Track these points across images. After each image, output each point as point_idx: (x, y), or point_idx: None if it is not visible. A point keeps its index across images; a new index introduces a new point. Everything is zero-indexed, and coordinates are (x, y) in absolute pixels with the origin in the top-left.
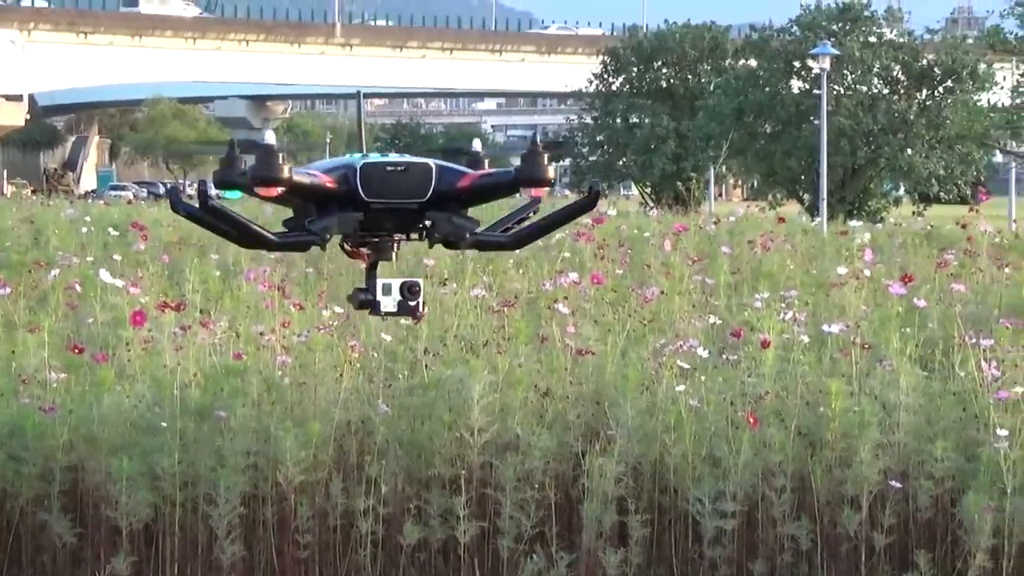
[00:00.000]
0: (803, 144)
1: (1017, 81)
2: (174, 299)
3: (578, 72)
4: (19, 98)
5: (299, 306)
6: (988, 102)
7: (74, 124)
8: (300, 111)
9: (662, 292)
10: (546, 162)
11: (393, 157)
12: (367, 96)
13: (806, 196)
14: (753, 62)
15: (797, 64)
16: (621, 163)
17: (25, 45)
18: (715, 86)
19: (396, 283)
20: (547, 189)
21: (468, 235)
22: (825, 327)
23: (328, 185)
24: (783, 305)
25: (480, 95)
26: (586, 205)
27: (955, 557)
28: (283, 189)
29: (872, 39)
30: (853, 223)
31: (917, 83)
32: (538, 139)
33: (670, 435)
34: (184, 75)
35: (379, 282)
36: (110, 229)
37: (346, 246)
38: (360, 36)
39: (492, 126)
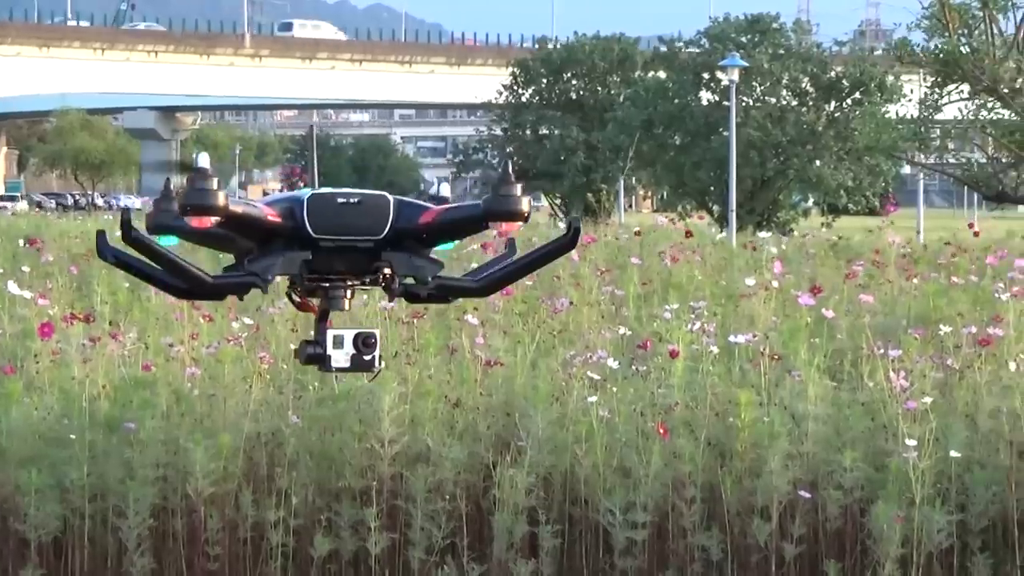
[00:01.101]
0: (712, 156)
1: (924, 93)
2: (83, 311)
3: (488, 83)
4: None
5: (209, 318)
6: (896, 114)
7: None
8: (209, 122)
9: (571, 303)
10: (519, 193)
11: (345, 189)
12: (276, 107)
13: (715, 207)
14: (662, 74)
15: (706, 76)
16: (531, 174)
17: None
18: (624, 98)
19: (349, 334)
20: (520, 224)
21: (431, 278)
22: (733, 338)
23: (270, 218)
24: (692, 316)
25: (390, 106)
26: (565, 244)
27: (864, 567)
28: (218, 219)
29: (781, 51)
30: (762, 234)
31: (826, 95)
32: (510, 167)
33: (581, 446)
34: (93, 86)
35: (330, 333)
36: (19, 240)
37: (294, 296)
38: (269, 47)
39: (402, 137)
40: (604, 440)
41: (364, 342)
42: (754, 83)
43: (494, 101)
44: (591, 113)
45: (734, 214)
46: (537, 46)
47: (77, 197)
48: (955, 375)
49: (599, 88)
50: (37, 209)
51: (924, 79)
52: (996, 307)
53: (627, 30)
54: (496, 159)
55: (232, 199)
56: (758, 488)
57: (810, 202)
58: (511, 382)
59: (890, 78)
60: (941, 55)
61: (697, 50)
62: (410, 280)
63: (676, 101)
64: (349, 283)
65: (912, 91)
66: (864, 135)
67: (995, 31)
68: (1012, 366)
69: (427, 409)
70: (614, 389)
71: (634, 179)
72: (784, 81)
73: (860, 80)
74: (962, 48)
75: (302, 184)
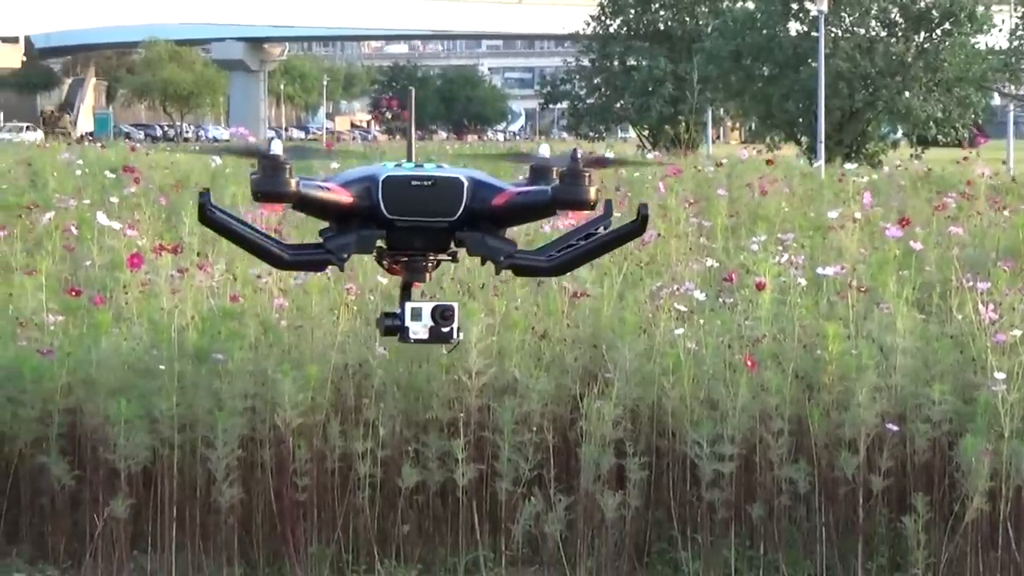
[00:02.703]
0: (801, 87)
1: (1015, 24)
2: (171, 242)
3: (576, 14)
4: (15, 40)
5: None
6: (986, 45)
7: (70, 66)
8: (297, 53)
9: (659, 235)
10: (588, 182)
11: (423, 170)
12: (362, 39)
13: (804, 139)
14: (751, 4)
15: (795, 6)
16: (619, 106)
17: None
18: (712, 28)
19: (427, 307)
20: (587, 212)
21: (503, 258)
22: (821, 270)
23: (344, 201)
24: (780, 248)
25: (477, 37)
26: (635, 230)
27: (952, 500)
28: (289, 205)
29: None
30: (849, 166)
31: (915, 25)
32: (579, 154)
33: (668, 378)
34: (181, 17)
35: (408, 306)
36: (107, 172)
37: (383, 262)
38: None
39: (489, 68)
40: (691, 372)
41: (442, 315)
42: (843, 13)
43: (581, 32)
44: (679, 44)
45: (823, 146)
46: None
47: (166, 128)
48: None
49: (687, 19)
50: (126, 140)
51: (1015, 9)
52: None
53: None
54: (584, 91)
55: (305, 183)
56: (846, 421)
57: (899, 134)
58: (598, 314)
59: (980, 8)
60: None
61: None
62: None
63: (764, 32)
64: (428, 257)
65: (1003, 21)
66: (954, 66)
67: None
68: None
69: (514, 341)
70: (701, 321)
71: (722, 111)
72: (873, 11)
73: (950, 10)
74: None
75: (390, 116)
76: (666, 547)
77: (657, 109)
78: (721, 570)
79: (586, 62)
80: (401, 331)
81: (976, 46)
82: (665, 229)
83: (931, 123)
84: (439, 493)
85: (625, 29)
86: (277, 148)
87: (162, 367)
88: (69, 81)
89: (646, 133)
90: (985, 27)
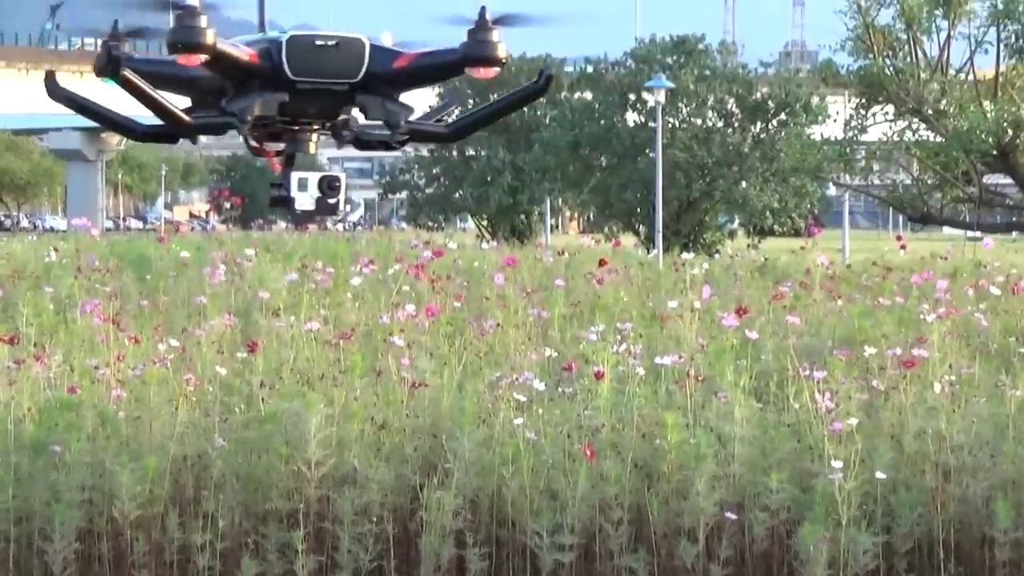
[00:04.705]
0: (639, 177)
1: (850, 114)
2: (8, 332)
3: (414, 102)
4: None
5: (135, 339)
6: (821, 135)
7: None
8: (135, 143)
9: (498, 325)
10: (497, 38)
11: (324, 31)
12: None
13: (642, 228)
14: (589, 95)
15: (632, 97)
16: (458, 195)
17: None
18: (551, 119)
19: (313, 177)
20: (497, 69)
21: (402, 122)
22: (659, 359)
23: (250, 58)
24: (618, 337)
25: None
26: (535, 91)
27: None
28: (206, 57)
29: (707, 72)
30: (687, 255)
31: (751, 116)
32: (486, 12)
33: (508, 468)
34: (17, 106)
35: (294, 176)
36: None
37: (250, 140)
38: None
39: (328, 158)
40: (531, 462)
41: (329, 185)
42: (680, 104)
43: None
44: (517, 134)
45: (660, 235)
46: None
47: (2, 218)
48: (880, 396)
49: (525, 109)
50: None
51: (849, 100)
52: (920, 328)
53: (553, 51)
54: (423, 180)
55: (219, 38)
56: (685, 510)
57: (736, 223)
58: (437, 404)
59: (815, 99)
60: (866, 76)
61: (623, 71)
62: (359, 128)
63: (602, 122)
64: (315, 127)
65: (837, 112)
66: (790, 156)
67: (919, 52)
68: (937, 387)
69: (353, 431)
70: (540, 411)
71: (561, 200)
72: (710, 102)
73: (785, 101)
74: (887, 69)
75: (228, 205)
76: None
77: (496, 199)
78: None
79: (424, 152)
80: (287, 201)
81: (812, 136)
82: (504, 319)
83: (768, 213)
84: None
85: None
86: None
87: None
88: None
89: (485, 223)
90: (820, 117)
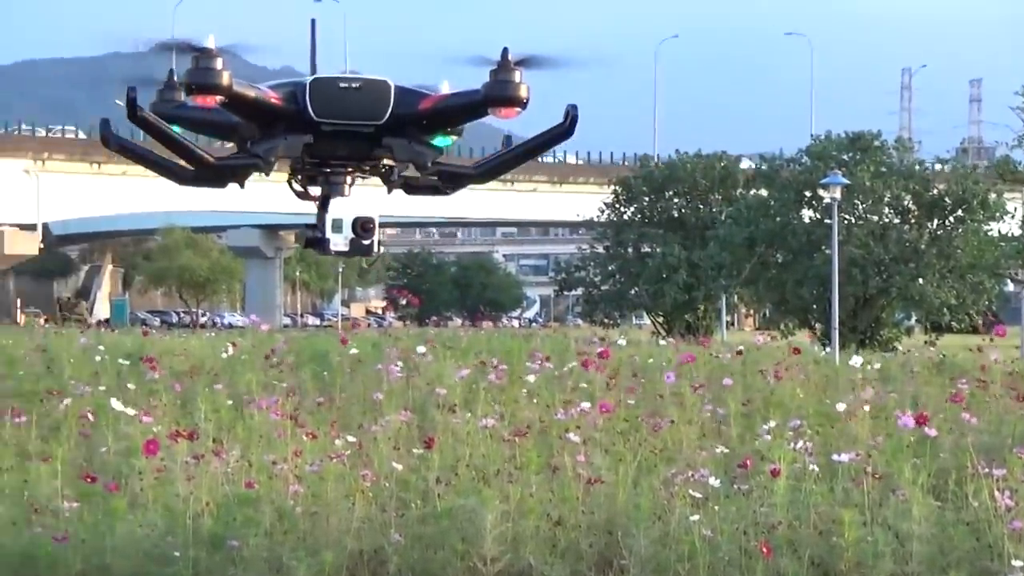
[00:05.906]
0: (815, 273)
1: None
2: (186, 428)
3: (590, 201)
4: (33, 227)
5: (312, 435)
6: (999, 232)
7: (88, 253)
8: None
9: (672, 421)
10: (519, 79)
11: (347, 74)
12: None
13: (818, 325)
14: (764, 192)
15: (808, 194)
16: (633, 292)
17: (39, 175)
18: (726, 215)
19: (348, 219)
20: (519, 110)
21: (430, 163)
22: (836, 456)
23: (273, 100)
24: (793, 434)
25: (492, 224)
26: (562, 133)
27: None
28: (221, 98)
29: (883, 169)
30: (856, 358)
31: (928, 212)
32: (508, 53)
33: (684, 565)
34: (197, 204)
35: (328, 218)
36: (120, 359)
37: (294, 184)
38: None
39: (504, 255)
40: (707, 559)
41: (363, 226)
42: (856, 200)
43: (595, 219)
44: (693, 231)
45: (837, 332)
46: (639, 164)
47: (181, 315)
48: None
49: (700, 206)
50: (142, 326)
51: None
52: None
53: (728, 148)
54: (599, 278)
55: (236, 80)
56: None
57: (913, 320)
58: (612, 500)
59: (992, 195)
60: None
61: (799, 168)
62: (409, 173)
63: (778, 219)
64: (349, 169)
65: (1015, 208)
66: (967, 252)
67: None
68: None
69: (529, 527)
70: (716, 507)
71: (736, 297)
72: (886, 198)
73: (962, 197)
74: None
75: (404, 303)
76: None
77: (671, 296)
78: None
79: (600, 249)
80: (321, 243)
81: (989, 233)
82: (679, 415)
83: (945, 309)
84: None
85: (639, 216)
86: (210, 41)
87: (177, 554)
88: (86, 268)
89: (660, 320)
90: (998, 214)
